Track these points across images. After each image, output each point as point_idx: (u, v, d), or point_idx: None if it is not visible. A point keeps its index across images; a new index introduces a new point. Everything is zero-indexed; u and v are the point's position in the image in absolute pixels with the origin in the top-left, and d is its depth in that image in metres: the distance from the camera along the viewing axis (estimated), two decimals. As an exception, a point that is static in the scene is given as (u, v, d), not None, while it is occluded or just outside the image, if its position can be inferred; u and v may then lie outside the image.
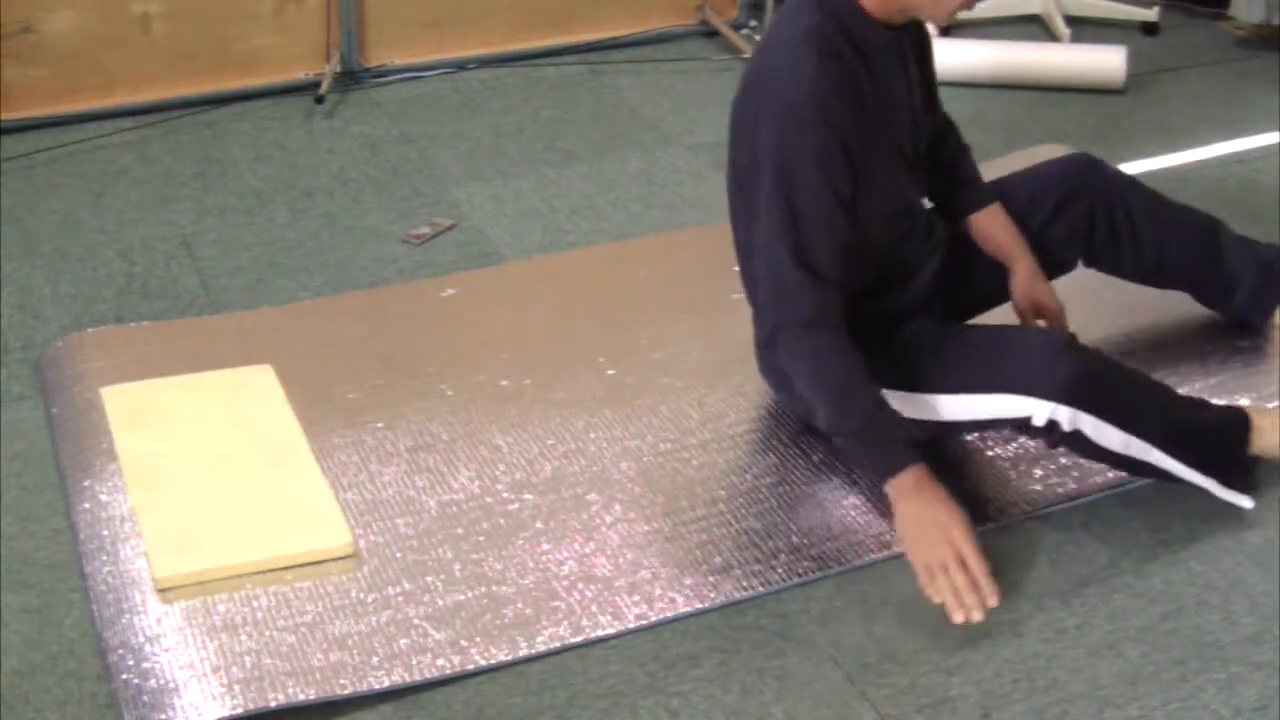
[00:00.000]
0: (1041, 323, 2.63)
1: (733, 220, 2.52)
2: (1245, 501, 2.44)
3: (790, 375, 2.42)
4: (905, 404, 2.43)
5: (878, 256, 2.47)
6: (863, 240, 2.40)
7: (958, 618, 2.18)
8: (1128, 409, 2.37)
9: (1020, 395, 2.34)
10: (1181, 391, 2.53)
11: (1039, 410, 2.33)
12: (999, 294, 2.69)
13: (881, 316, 2.50)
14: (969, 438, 2.60)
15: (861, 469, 2.49)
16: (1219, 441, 2.45)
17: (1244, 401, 2.66)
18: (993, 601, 2.19)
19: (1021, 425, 2.39)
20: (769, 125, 2.30)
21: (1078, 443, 2.37)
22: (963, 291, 2.67)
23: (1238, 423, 2.47)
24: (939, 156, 2.65)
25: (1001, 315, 2.72)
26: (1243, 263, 2.81)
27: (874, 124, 2.36)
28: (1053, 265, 2.72)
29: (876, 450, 2.32)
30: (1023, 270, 2.64)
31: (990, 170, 3.11)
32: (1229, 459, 2.45)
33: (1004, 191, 2.72)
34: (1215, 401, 2.56)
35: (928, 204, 2.66)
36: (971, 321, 2.70)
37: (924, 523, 2.24)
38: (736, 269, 2.56)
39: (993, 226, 2.66)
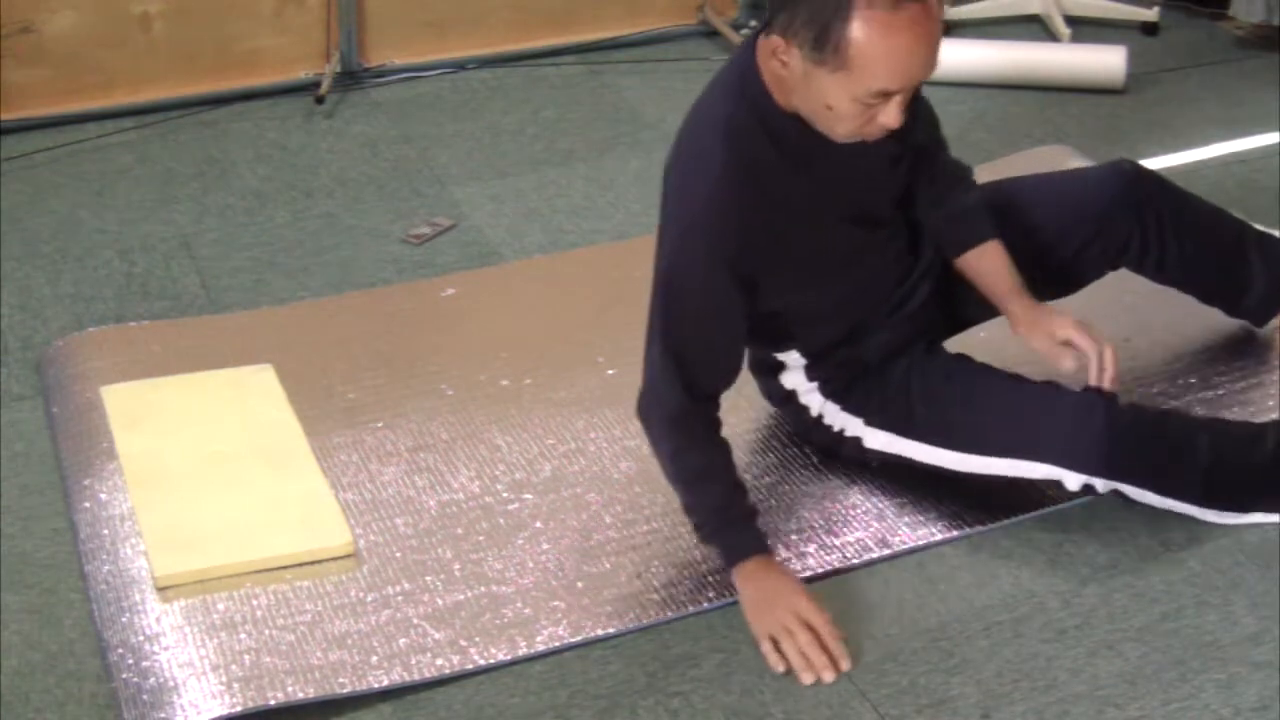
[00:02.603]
0: (1069, 362, 2.32)
1: None
2: None
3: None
4: (904, 449, 2.38)
5: (847, 295, 2.37)
6: (806, 297, 2.32)
7: (807, 679, 2.12)
8: (1169, 474, 2.32)
9: (1051, 465, 2.28)
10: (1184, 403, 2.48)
11: (1072, 478, 2.28)
12: (991, 309, 2.49)
13: (870, 349, 2.41)
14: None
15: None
16: (1272, 481, 2.38)
17: (1244, 413, 2.63)
18: (844, 665, 2.13)
19: (1048, 485, 2.34)
20: (667, 224, 2.23)
21: (1116, 497, 2.35)
22: (951, 309, 2.52)
23: None
24: (928, 190, 2.44)
25: (996, 325, 2.68)
26: (1260, 268, 2.70)
27: (791, 213, 2.23)
28: (1077, 281, 2.59)
29: (723, 538, 2.27)
30: (1020, 312, 2.38)
31: (989, 171, 3.09)
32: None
33: (1040, 205, 2.53)
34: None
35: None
36: (968, 330, 2.59)
37: (764, 594, 2.20)
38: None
39: (982, 270, 2.42)
